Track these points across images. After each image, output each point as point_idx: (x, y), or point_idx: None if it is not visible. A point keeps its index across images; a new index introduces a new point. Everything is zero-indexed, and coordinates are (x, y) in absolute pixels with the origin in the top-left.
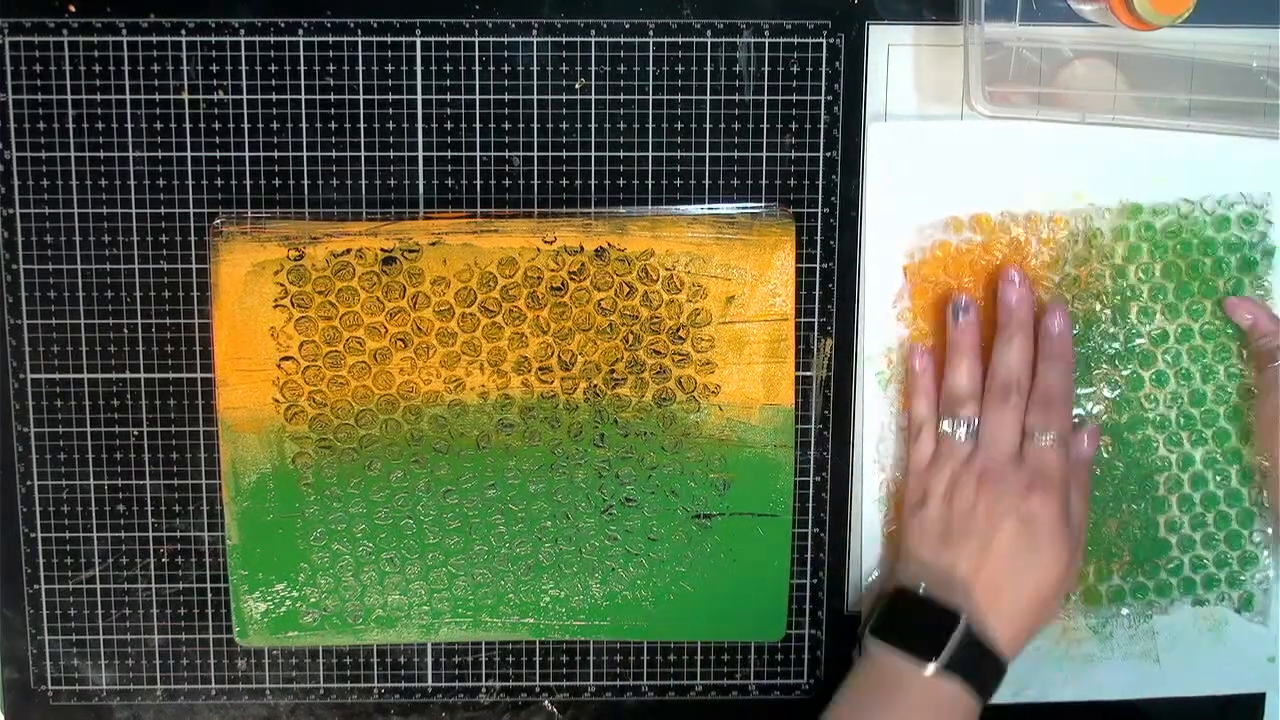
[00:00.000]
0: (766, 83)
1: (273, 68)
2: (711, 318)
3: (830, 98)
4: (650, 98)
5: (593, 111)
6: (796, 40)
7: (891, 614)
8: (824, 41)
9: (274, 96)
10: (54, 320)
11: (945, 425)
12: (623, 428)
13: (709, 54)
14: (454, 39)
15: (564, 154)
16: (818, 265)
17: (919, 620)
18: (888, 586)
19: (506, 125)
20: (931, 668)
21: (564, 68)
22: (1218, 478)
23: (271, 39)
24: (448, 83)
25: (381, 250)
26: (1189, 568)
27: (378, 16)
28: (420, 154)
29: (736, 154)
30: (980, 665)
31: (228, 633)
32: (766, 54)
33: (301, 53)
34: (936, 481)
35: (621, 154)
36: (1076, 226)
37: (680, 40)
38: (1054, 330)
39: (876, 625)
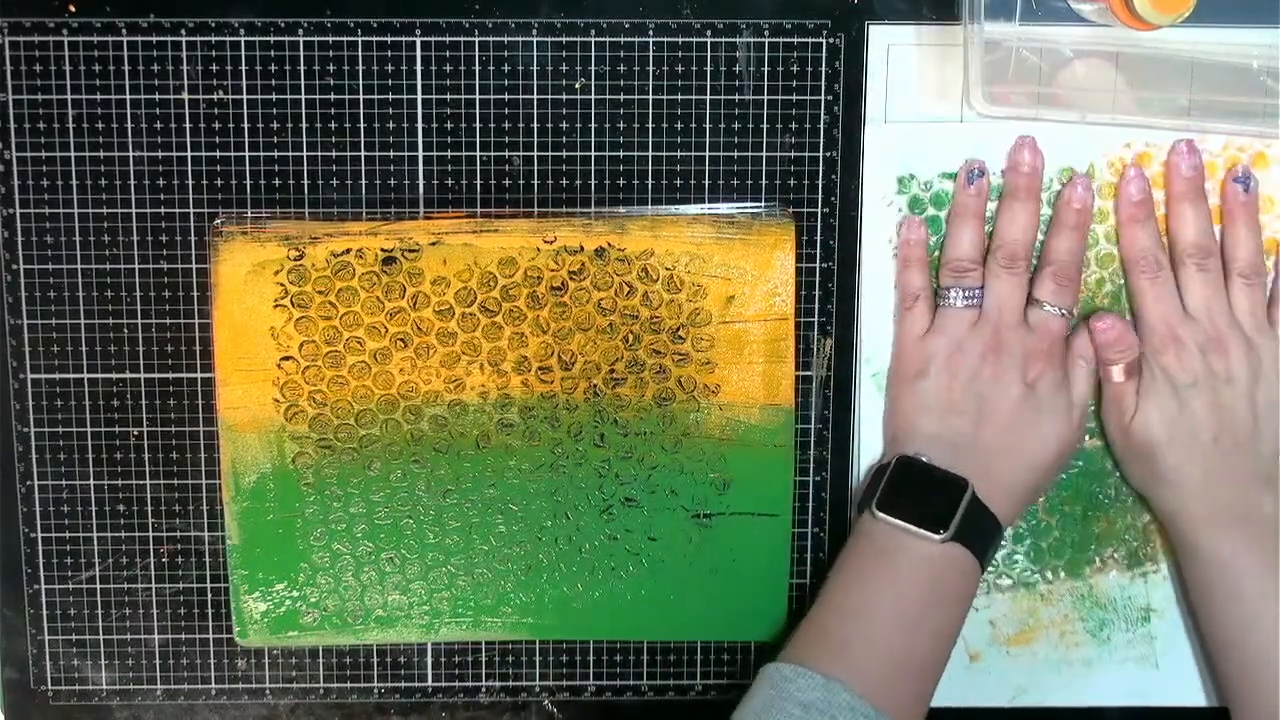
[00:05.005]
0: (766, 83)
1: (273, 68)
2: (711, 317)
3: (830, 98)
4: (650, 98)
5: (593, 111)
6: (796, 40)
7: (897, 486)
8: (824, 41)
9: (274, 96)
10: (54, 320)
11: (948, 293)
12: (623, 427)
13: (709, 54)
14: (454, 39)
15: (564, 154)
16: (818, 265)
17: (925, 490)
18: (883, 459)
19: (506, 125)
20: (939, 537)
21: (564, 68)
22: None
23: (271, 39)
24: (448, 83)
25: (381, 250)
26: None
27: (378, 16)
28: (420, 154)
29: (736, 154)
30: (983, 530)
31: (228, 633)
32: (766, 54)
33: (301, 53)
34: (937, 350)
35: (621, 154)
36: None
37: (680, 40)
38: (1074, 201)
39: (882, 499)
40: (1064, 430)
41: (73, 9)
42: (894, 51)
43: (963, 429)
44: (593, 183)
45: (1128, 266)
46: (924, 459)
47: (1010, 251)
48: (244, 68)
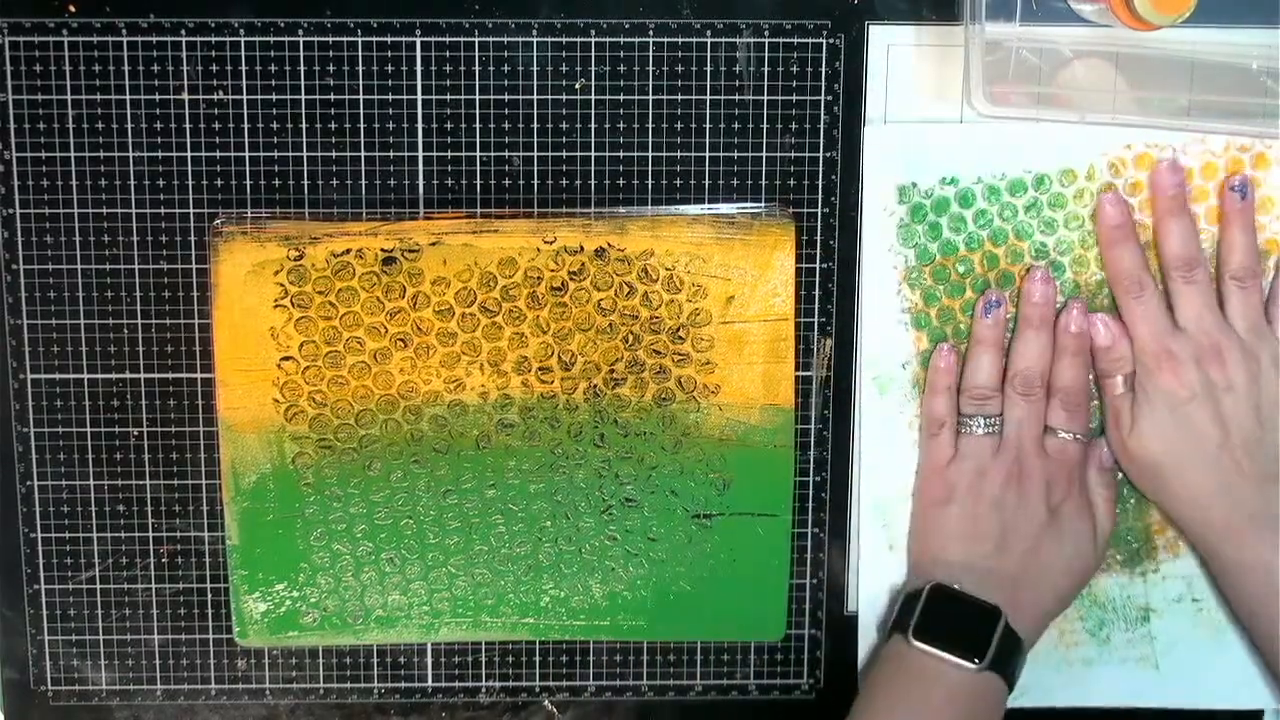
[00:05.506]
0: (766, 83)
1: (273, 68)
2: (711, 318)
3: (830, 98)
4: (650, 98)
5: (593, 111)
6: (796, 40)
7: (930, 614)
8: (824, 41)
9: (274, 96)
10: (54, 320)
11: (969, 421)
12: (623, 428)
13: (709, 54)
14: (454, 39)
15: (564, 154)
16: (817, 265)
17: (959, 619)
18: (914, 586)
19: (506, 125)
20: (974, 666)
21: (564, 68)
22: None
23: (271, 39)
24: (448, 83)
25: (381, 250)
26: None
27: (378, 16)
28: (420, 154)
29: (736, 154)
30: (1013, 656)
31: (228, 633)
32: (766, 54)
33: (301, 53)
34: (960, 478)
35: (621, 154)
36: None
37: (680, 40)
38: (1070, 327)
39: (918, 626)
40: (1087, 554)
41: (73, 9)
42: (894, 52)
43: (988, 555)
44: (593, 183)
45: (1113, 287)
46: (957, 587)
47: (1026, 379)
48: (244, 68)
